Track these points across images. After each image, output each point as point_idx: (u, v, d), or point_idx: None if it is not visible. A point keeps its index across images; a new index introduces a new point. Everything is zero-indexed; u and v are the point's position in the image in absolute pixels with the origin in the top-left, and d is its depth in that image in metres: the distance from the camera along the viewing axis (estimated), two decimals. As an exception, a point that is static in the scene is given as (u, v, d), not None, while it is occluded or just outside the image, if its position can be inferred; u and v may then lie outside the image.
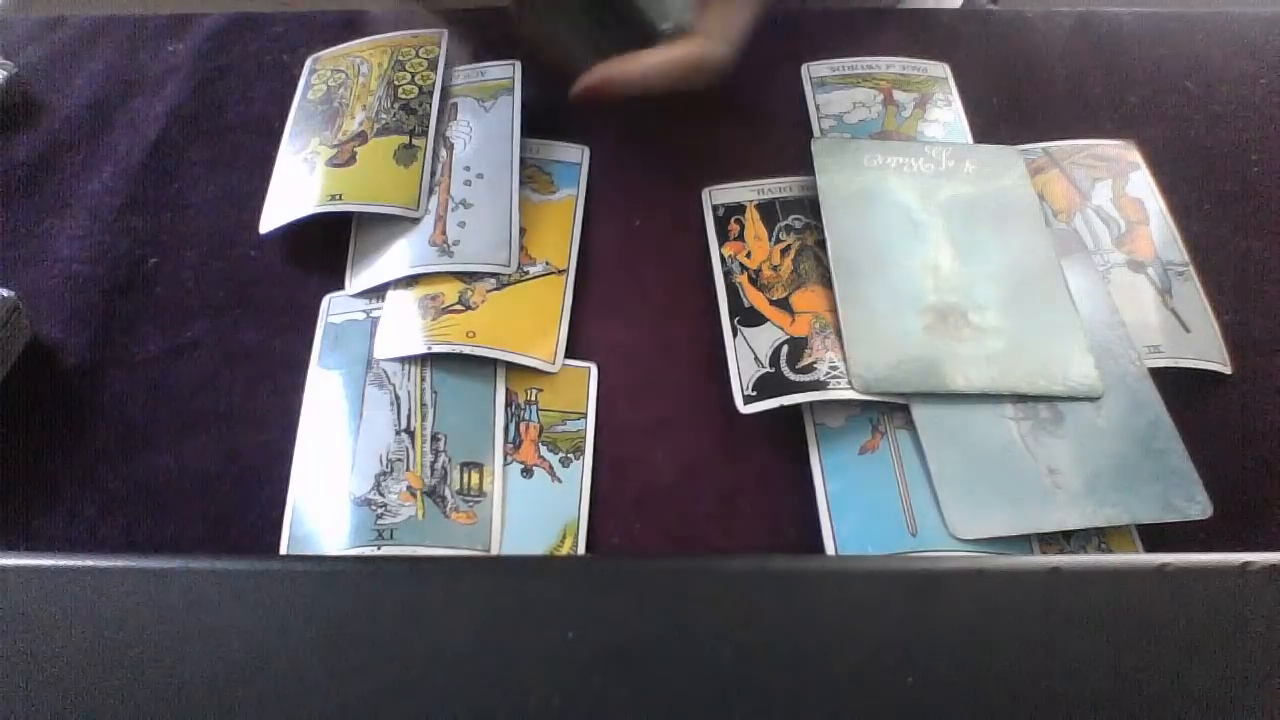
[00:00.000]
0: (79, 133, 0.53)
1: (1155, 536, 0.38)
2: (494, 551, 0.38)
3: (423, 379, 0.42)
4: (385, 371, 0.42)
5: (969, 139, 0.51)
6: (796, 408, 0.41)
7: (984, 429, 0.40)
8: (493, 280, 0.45)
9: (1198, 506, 0.38)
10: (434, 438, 0.41)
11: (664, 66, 0.45)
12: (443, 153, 0.49)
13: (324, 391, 0.42)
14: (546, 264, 0.46)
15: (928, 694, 0.28)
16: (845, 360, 0.41)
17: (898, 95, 0.53)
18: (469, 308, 0.44)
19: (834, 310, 0.43)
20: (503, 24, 0.56)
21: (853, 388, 0.41)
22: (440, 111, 0.50)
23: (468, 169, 0.48)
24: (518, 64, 0.52)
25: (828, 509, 0.39)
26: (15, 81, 0.54)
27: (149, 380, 0.44)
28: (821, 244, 0.46)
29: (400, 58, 0.52)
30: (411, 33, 0.54)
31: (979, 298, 0.44)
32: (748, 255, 0.46)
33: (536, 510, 0.39)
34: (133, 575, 0.30)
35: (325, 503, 0.39)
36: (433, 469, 0.40)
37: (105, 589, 0.30)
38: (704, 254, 0.47)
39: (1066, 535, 0.38)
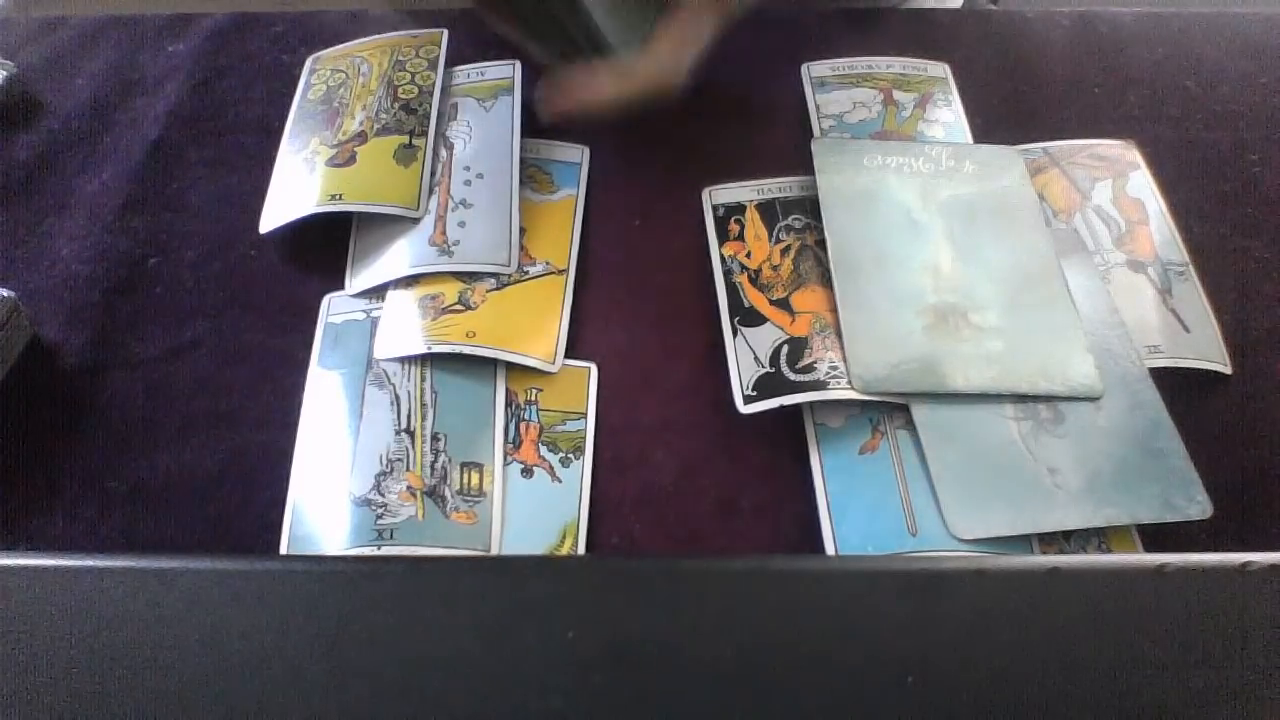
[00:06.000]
0: (79, 133, 0.53)
1: (1155, 536, 0.38)
2: (494, 551, 0.38)
3: (423, 379, 0.42)
4: (385, 371, 0.42)
5: (969, 139, 0.51)
6: (796, 408, 0.41)
7: (984, 429, 0.40)
8: (493, 280, 0.45)
9: (1198, 506, 0.38)
10: (434, 438, 0.41)
11: (623, 92, 0.46)
12: (443, 153, 0.49)
13: (324, 391, 0.42)
14: (546, 264, 0.46)
15: (928, 694, 0.28)
16: (845, 360, 0.41)
17: (898, 95, 0.53)
18: (469, 308, 0.44)
19: (834, 310, 0.43)
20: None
21: (853, 388, 0.41)
22: (440, 111, 0.50)
23: (468, 169, 0.48)
24: (518, 64, 0.52)
25: (828, 509, 0.39)
26: (15, 81, 0.54)
27: (149, 380, 0.44)
28: (821, 244, 0.46)
29: (400, 58, 0.52)
30: (411, 33, 0.54)
31: (979, 298, 0.44)
32: (748, 255, 0.46)
33: (536, 510, 0.39)
34: (133, 575, 0.30)
35: (325, 503, 0.39)
36: (433, 469, 0.40)
37: (105, 589, 0.30)
38: (704, 254, 0.47)
39: (1066, 535, 0.38)
